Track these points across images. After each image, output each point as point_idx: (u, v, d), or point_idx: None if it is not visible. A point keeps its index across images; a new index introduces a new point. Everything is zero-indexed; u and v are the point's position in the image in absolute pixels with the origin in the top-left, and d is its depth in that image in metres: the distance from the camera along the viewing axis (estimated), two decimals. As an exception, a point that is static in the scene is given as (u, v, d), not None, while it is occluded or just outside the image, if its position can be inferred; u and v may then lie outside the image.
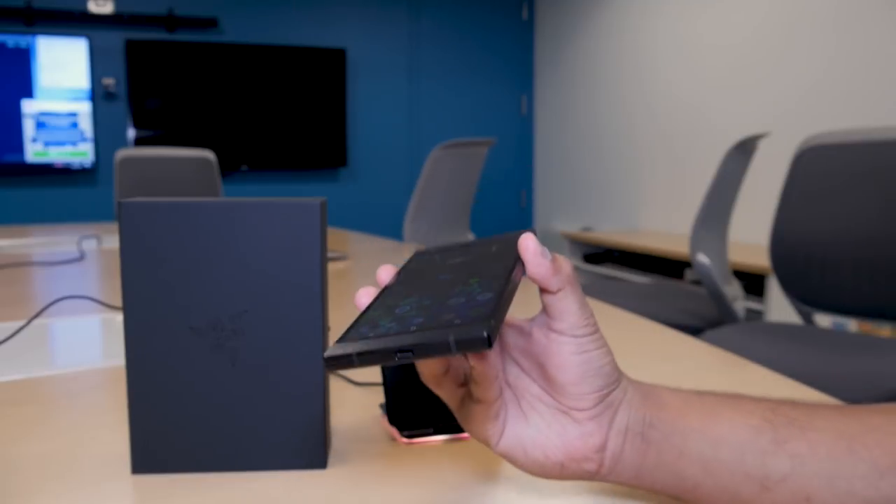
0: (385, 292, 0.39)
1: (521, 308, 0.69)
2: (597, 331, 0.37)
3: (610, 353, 0.38)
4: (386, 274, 0.40)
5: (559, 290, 0.36)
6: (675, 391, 0.40)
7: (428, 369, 0.38)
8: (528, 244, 0.35)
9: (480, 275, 0.36)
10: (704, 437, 0.38)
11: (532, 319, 0.40)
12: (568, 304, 0.36)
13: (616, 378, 0.38)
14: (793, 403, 0.39)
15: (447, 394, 0.40)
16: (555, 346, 0.37)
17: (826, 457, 0.36)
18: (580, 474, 0.39)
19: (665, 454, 0.38)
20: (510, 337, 0.40)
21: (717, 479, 0.37)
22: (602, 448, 0.38)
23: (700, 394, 0.40)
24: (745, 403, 0.39)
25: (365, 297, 0.37)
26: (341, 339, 0.33)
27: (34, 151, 4.08)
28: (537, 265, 0.35)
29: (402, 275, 0.41)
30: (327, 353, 0.32)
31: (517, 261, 0.36)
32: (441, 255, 0.43)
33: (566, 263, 0.37)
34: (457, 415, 0.41)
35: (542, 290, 0.37)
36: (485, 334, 0.29)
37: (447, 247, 0.44)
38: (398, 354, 0.31)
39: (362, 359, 0.32)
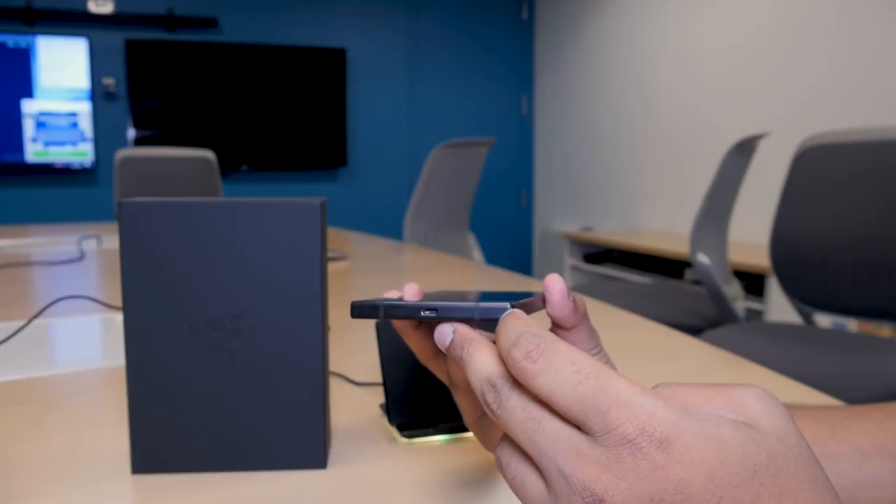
0: None
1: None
2: (601, 350, 0.38)
3: (613, 368, 0.39)
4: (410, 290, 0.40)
5: (574, 326, 0.37)
6: None
7: (422, 350, 0.40)
8: (555, 285, 0.35)
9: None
10: None
11: None
12: (581, 338, 0.37)
13: None
14: None
15: (442, 374, 0.42)
16: None
17: (811, 440, 0.38)
18: None
19: None
20: None
21: None
22: None
23: None
24: None
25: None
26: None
27: (34, 151, 4.08)
28: (562, 306, 0.36)
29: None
30: (355, 301, 0.33)
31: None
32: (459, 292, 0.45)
33: (580, 300, 0.38)
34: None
35: (557, 326, 0.37)
36: (508, 305, 0.30)
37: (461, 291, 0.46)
38: (424, 311, 0.32)
39: (388, 311, 0.33)
